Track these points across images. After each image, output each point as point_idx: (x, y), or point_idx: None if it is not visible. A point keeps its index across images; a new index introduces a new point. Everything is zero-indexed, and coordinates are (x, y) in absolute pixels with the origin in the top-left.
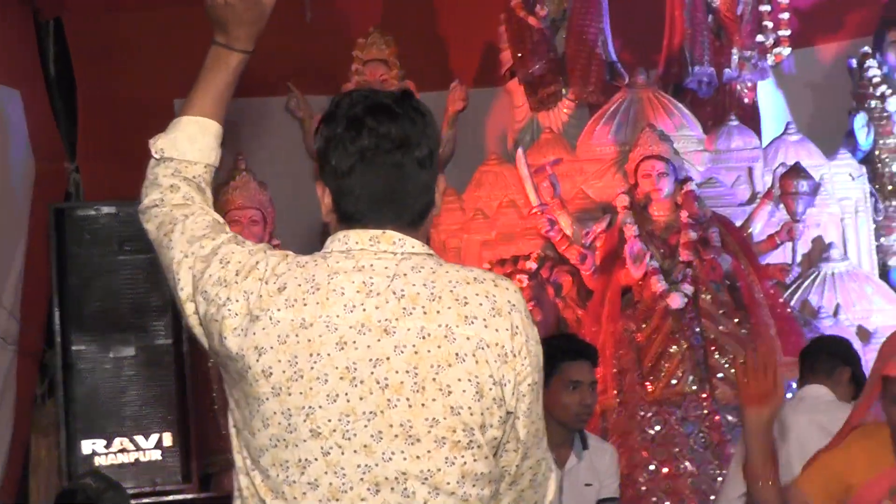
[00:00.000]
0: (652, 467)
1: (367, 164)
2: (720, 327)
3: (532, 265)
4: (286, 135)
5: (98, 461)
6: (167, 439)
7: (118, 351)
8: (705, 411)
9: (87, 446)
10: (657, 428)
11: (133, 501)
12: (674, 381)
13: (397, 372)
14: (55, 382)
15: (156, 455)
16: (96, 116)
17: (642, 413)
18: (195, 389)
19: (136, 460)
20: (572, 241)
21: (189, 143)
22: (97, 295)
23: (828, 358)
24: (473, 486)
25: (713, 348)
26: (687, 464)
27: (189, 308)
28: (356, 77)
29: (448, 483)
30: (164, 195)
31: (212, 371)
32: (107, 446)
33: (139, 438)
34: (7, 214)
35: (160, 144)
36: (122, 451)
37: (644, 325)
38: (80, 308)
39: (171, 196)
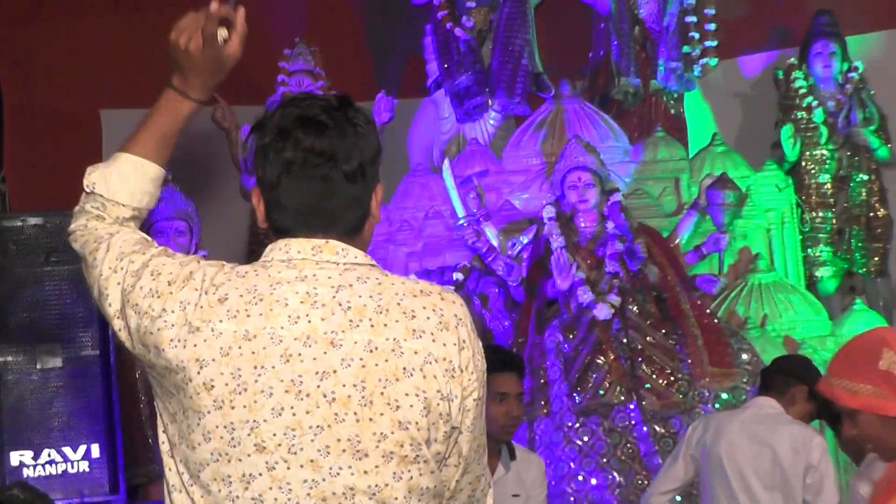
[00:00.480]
0: (580, 478)
1: (293, 178)
2: (647, 338)
3: (459, 276)
4: (212, 146)
5: (26, 473)
6: (95, 451)
7: (45, 362)
8: (633, 422)
9: (14, 458)
10: (585, 439)
11: None
12: (601, 393)
13: (344, 385)
14: None
15: (83, 466)
16: (22, 128)
17: (570, 424)
18: (123, 400)
19: (64, 472)
20: (498, 253)
21: (121, 184)
22: (23, 306)
23: (781, 375)
24: (419, 500)
25: (640, 359)
26: (615, 475)
27: (117, 324)
28: (282, 88)
29: (396, 498)
30: (88, 222)
31: (139, 382)
32: (34, 458)
33: (67, 450)
34: None
35: (93, 178)
36: (50, 462)
37: (571, 337)
38: (6, 319)
39: (95, 223)
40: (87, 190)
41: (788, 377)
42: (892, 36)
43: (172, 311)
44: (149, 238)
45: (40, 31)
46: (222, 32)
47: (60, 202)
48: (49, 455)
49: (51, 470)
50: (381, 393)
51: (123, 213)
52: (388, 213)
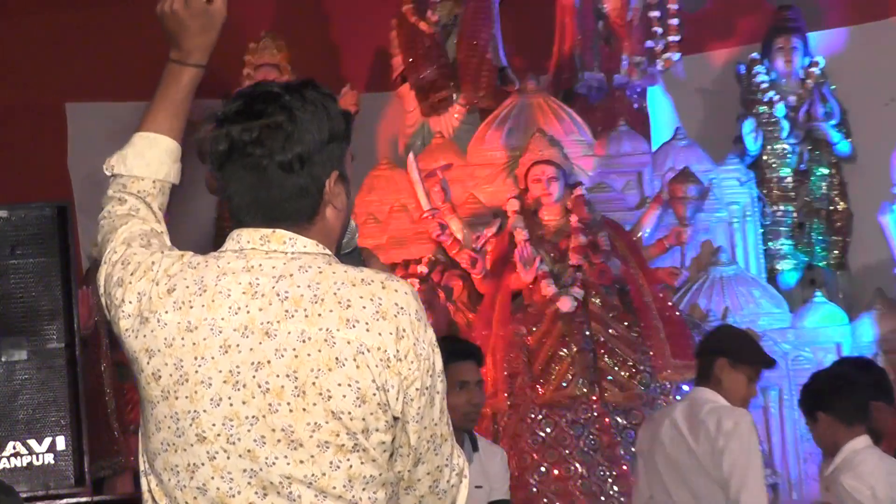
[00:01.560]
0: (542, 469)
1: (228, 167)
2: (610, 330)
3: (423, 269)
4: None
5: None
6: (60, 443)
7: (10, 355)
8: (595, 414)
9: None
10: (547, 430)
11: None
12: (564, 384)
13: (278, 376)
14: None
15: (49, 459)
16: None
17: (532, 416)
18: (89, 393)
19: (29, 464)
20: (463, 246)
21: (137, 159)
22: None
23: (701, 358)
24: (364, 489)
25: (603, 351)
26: (577, 466)
27: (105, 312)
28: (247, 81)
29: (334, 487)
30: (111, 208)
31: (105, 375)
32: (2, 451)
33: (32, 442)
34: None
35: (112, 161)
36: (15, 455)
37: (534, 329)
38: None
39: (117, 208)
40: (108, 174)
41: (706, 357)
42: (853, 31)
43: (130, 302)
44: (160, 230)
45: (3, 24)
46: None
47: (26, 196)
48: (14, 448)
49: (16, 462)
50: (313, 383)
51: (144, 186)
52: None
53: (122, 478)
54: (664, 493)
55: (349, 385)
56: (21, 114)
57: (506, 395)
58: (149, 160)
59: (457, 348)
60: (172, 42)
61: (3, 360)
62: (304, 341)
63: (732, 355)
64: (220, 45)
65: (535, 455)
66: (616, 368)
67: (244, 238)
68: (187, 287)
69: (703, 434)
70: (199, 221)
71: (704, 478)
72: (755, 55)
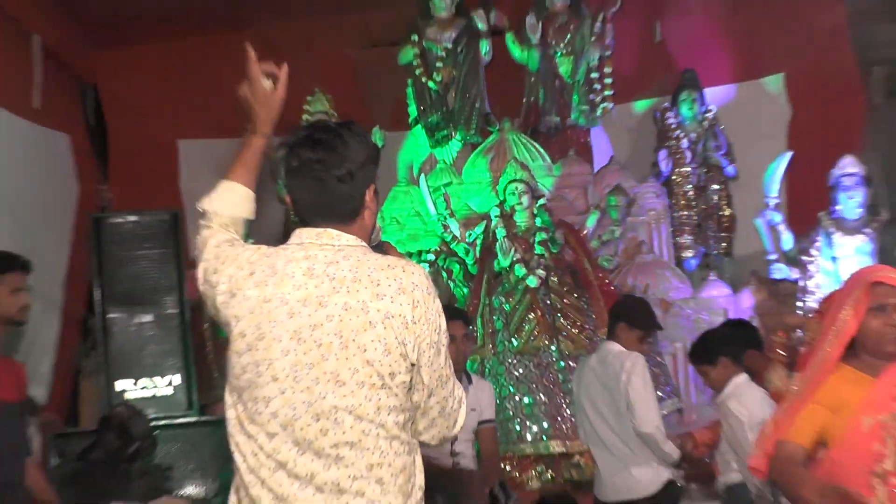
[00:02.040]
0: (516, 398)
1: (296, 180)
2: (564, 300)
3: (431, 257)
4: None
5: (128, 395)
6: (176, 380)
7: (140, 318)
8: (553, 359)
9: (119, 385)
10: (520, 371)
11: (152, 423)
12: (532, 339)
13: (328, 334)
14: (97, 340)
15: (168, 391)
16: (122, 152)
17: (510, 361)
18: (194, 345)
19: (154, 395)
20: (460, 240)
21: (219, 201)
22: (125, 279)
23: (610, 320)
24: (388, 414)
25: (559, 315)
26: (541, 395)
27: (204, 295)
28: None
29: (367, 413)
30: (200, 232)
31: (206, 332)
32: (134, 385)
33: (156, 379)
34: (57, 222)
35: (203, 203)
36: (145, 388)
37: (511, 299)
38: (113, 288)
39: (205, 232)
40: (200, 211)
41: (612, 320)
42: (735, 87)
43: (223, 283)
44: (237, 238)
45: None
46: (268, 83)
47: (148, 205)
48: (144, 383)
49: (145, 394)
50: (353, 340)
51: (222, 220)
52: (381, 212)
53: (219, 405)
54: (586, 420)
55: (379, 341)
56: (145, 147)
57: (491, 346)
58: (226, 202)
59: (448, 312)
60: (248, 117)
61: (135, 321)
62: (346, 310)
63: (629, 320)
64: (286, 98)
65: (511, 388)
66: (569, 327)
67: (304, 235)
68: (263, 271)
69: (611, 372)
70: (271, 223)
71: (613, 405)
72: (667, 104)
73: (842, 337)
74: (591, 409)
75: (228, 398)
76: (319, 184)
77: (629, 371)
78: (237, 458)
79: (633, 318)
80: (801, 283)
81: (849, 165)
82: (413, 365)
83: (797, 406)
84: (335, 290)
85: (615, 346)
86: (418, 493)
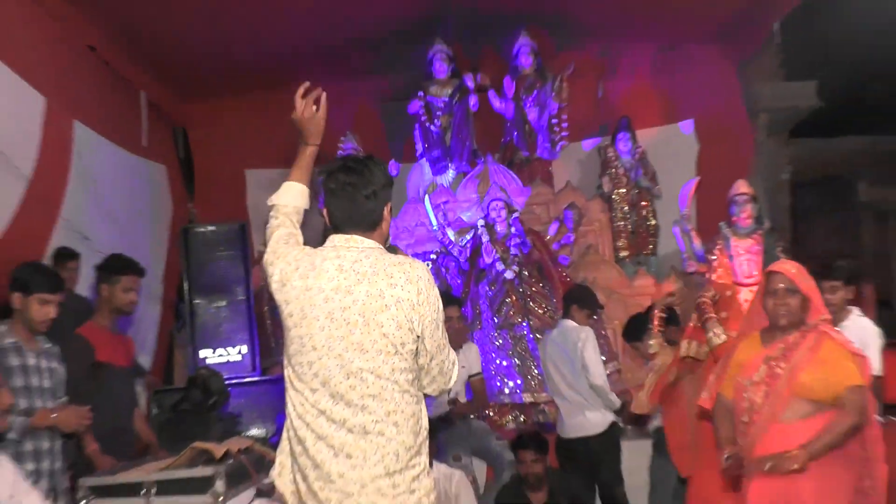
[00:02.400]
0: (497, 362)
1: (335, 198)
2: (533, 288)
3: (433, 256)
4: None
5: (208, 361)
6: (244, 350)
7: (217, 303)
8: (525, 333)
9: (202, 353)
10: (500, 341)
11: (226, 382)
12: (508, 317)
13: (354, 315)
14: (185, 321)
15: (238, 358)
16: (204, 179)
17: (492, 334)
18: (258, 323)
19: (227, 361)
20: (455, 244)
21: (283, 196)
22: (206, 274)
23: (564, 302)
24: (401, 374)
25: (530, 299)
26: (515, 360)
27: (264, 273)
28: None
29: (385, 373)
30: (271, 220)
31: (266, 313)
32: (213, 353)
33: (229, 349)
34: (157, 232)
35: (271, 199)
36: (220, 356)
37: (493, 288)
38: (197, 281)
39: (274, 221)
40: (270, 204)
41: (566, 303)
42: (659, 129)
43: (276, 274)
44: (296, 232)
45: (212, 130)
46: (313, 109)
47: (225, 218)
48: (220, 352)
49: (220, 360)
50: (374, 319)
51: (287, 210)
52: (395, 223)
53: (275, 368)
54: (551, 378)
55: (393, 320)
56: (221, 175)
57: (478, 323)
58: (290, 196)
59: (445, 299)
60: (300, 132)
61: (213, 306)
62: (368, 296)
63: (580, 303)
64: (323, 138)
65: (493, 354)
66: (536, 309)
67: (336, 240)
68: (305, 266)
69: (569, 342)
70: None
71: (571, 366)
72: (608, 143)
73: (751, 313)
74: (555, 370)
75: (285, 362)
76: (351, 201)
77: (584, 340)
78: (289, 407)
79: (583, 301)
80: (707, 276)
81: (741, 187)
82: (418, 337)
83: (726, 364)
84: (359, 281)
85: (571, 323)
86: (424, 433)
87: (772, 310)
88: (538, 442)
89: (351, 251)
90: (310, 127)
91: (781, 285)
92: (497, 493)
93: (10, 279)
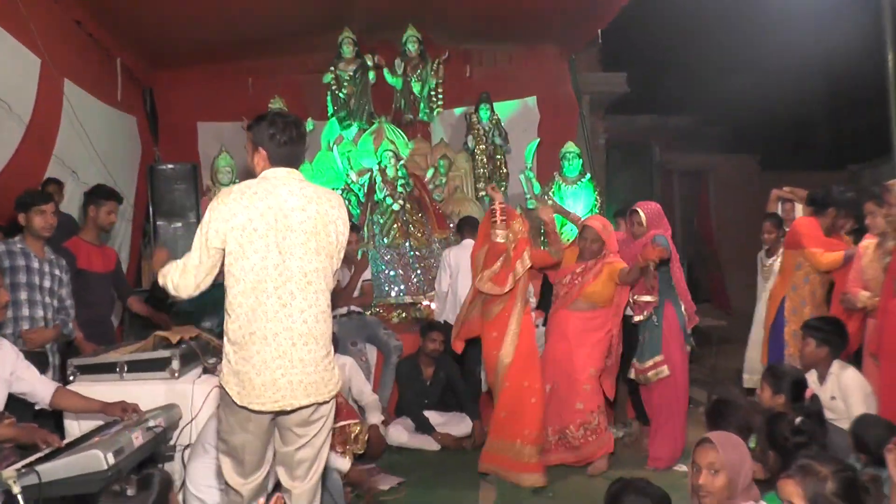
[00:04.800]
0: (386, 272)
1: (282, 143)
2: (413, 217)
3: (339, 192)
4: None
5: None
6: None
7: (175, 225)
8: (407, 250)
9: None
10: (388, 257)
11: None
12: (395, 238)
13: (309, 227)
14: (150, 238)
15: None
16: (166, 129)
17: (382, 251)
18: None
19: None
20: (355, 182)
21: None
22: (167, 202)
23: (463, 226)
24: (332, 272)
25: (410, 225)
26: (399, 270)
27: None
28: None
29: (329, 272)
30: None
31: None
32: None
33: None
34: (130, 169)
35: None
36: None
37: (383, 217)
38: (160, 207)
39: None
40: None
41: (464, 227)
42: (511, 103)
43: (228, 242)
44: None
45: (173, 87)
46: None
47: (180, 160)
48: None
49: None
50: (323, 231)
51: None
52: (311, 167)
53: (220, 275)
54: (458, 282)
55: (334, 233)
56: (180, 126)
57: (371, 243)
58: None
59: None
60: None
61: (172, 227)
62: (317, 213)
63: (473, 227)
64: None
65: (382, 266)
66: (416, 233)
67: (278, 172)
68: (250, 196)
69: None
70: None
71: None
72: (472, 110)
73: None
74: (463, 273)
75: (237, 272)
76: (294, 146)
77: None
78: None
79: (474, 226)
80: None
81: (570, 146)
82: (342, 246)
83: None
84: (309, 202)
85: (470, 241)
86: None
87: (582, 248)
88: (444, 329)
89: (293, 181)
90: None
91: (589, 236)
92: (398, 364)
93: (14, 206)
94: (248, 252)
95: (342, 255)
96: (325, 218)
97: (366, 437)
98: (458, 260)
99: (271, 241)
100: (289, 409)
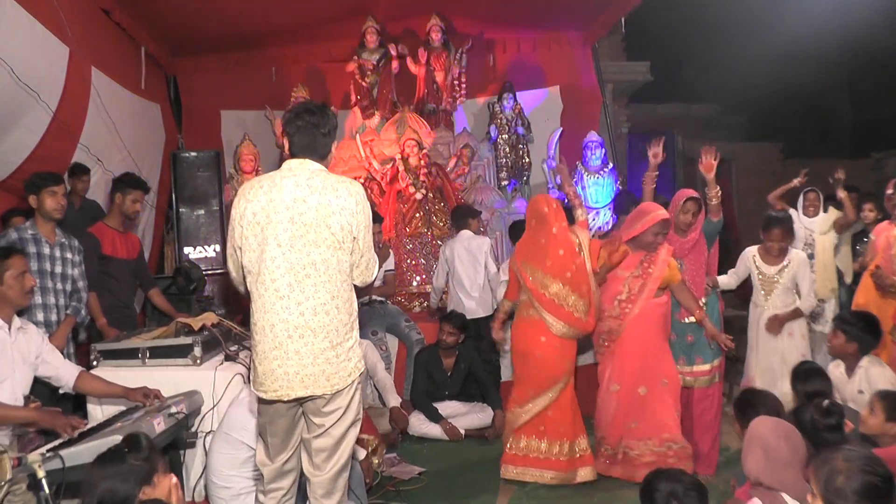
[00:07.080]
0: (408, 261)
1: (299, 131)
2: (436, 206)
3: (361, 181)
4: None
5: (190, 256)
6: (217, 248)
7: (198, 211)
8: (428, 240)
9: (185, 250)
10: (410, 246)
11: (204, 273)
12: (417, 227)
13: (311, 218)
14: (173, 224)
15: (212, 254)
16: (189, 116)
17: (404, 240)
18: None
19: (205, 256)
20: (378, 171)
21: None
22: (190, 187)
23: (458, 216)
24: (340, 264)
25: (433, 214)
26: (421, 259)
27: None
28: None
29: (331, 262)
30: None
31: None
32: (193, 250)
33: (206, 247)
34: (154, 155)
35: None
36: (199, 252)
37: (406, 205)
38: (183, 194)
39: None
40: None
41: (461, 217)
42: (533, 92)
43: (243, 233)
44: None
45: (197, 76)
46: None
47: (204, 147)
48: (199, 249)
49: (200, 255)
50: (323, 222)
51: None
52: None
53: None
54: (457, 276)
55: (338, 224)
56: (204, 113)
57: (394, 232)
58: None
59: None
60: None
61: (195, 213)
62: (319, 204)
63: (471, 215)
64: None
65: (404, 255)
66: (437, 222)
67: (292, 163)
68: (258, 189)
69: (474, 245)
70: (273, 160)
71: (474, 263)
72: (496, 100)
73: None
74: (461, 265)
75: (246, 264)
76: (312, 136)
77: (488, 245)
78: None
79: (471, 213)
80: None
81: (592, 136)
82: (355, 238)
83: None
84: (312, 193)
85: (468, 232)
86: (355, 313)
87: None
88: (459, 320)
89: (304, 171)
90: None
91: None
92: (417, 353)
93: (24, 188)
94: (252, 245)
95: (360, 246)
96: (326, 209)
97: (384, 451)
98: (454, 253)
99: (269, 233)
100: (286, 398)
